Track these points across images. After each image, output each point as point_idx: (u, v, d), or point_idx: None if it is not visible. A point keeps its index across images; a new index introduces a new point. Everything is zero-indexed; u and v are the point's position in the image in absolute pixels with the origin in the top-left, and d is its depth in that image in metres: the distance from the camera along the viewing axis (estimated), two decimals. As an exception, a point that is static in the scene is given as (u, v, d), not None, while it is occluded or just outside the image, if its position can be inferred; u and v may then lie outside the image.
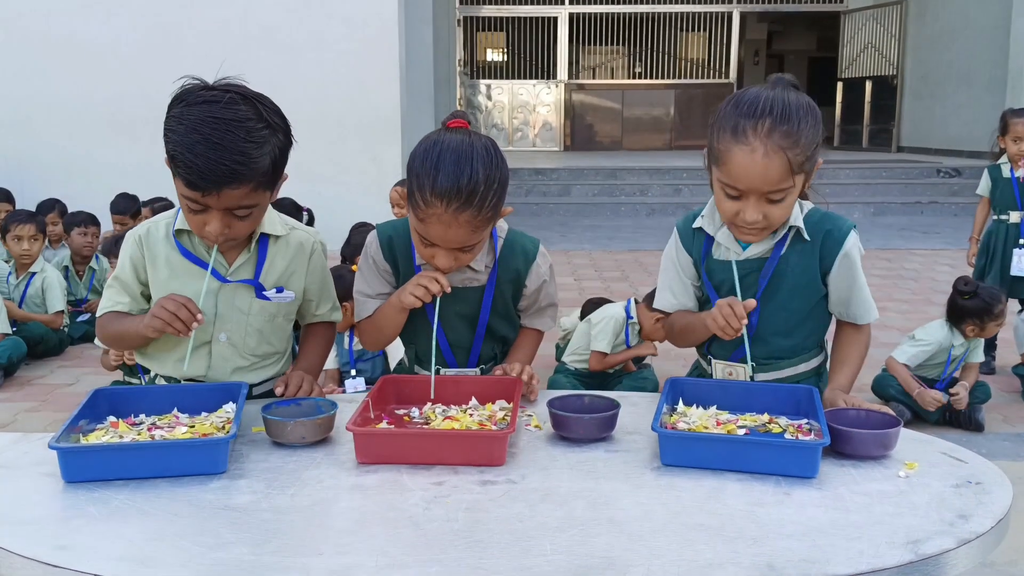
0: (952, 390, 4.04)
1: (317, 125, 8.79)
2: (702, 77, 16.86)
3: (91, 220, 5.84)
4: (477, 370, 2.08)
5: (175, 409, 1.80)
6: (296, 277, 2.06)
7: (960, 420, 4.04)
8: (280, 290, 2.02)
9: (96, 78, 8.42)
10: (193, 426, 1.70)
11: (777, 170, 1.76)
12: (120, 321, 2.00)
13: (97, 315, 2.05)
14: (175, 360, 1.99)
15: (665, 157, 14.34)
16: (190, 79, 1.83)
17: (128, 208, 6.27)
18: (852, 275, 1.95)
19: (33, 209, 5.91)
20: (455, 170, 1.76)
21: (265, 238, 2.00)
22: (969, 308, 4.13)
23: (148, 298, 2.01)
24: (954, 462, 1.60)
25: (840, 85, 16.54)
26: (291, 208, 6.16)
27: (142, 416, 1.78)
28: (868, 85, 15.88)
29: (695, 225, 2.01)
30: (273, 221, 2.02)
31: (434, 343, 1.94)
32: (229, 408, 1.80)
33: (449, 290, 1.89)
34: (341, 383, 4.12)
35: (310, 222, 6.29)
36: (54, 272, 5.26)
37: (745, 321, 1.83)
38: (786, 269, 1.94)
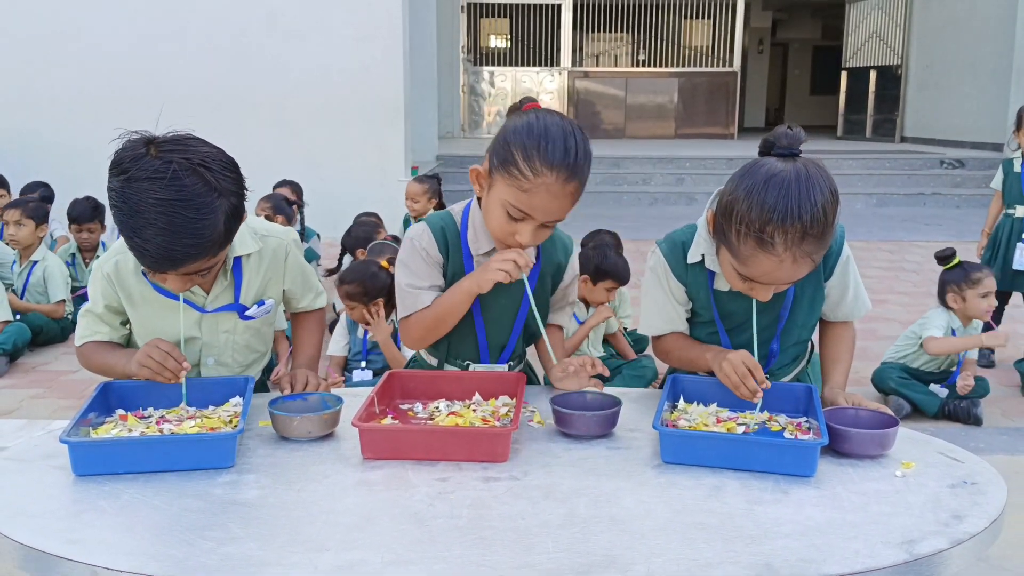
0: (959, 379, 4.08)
1: (320, 111, 8.82)
2: (706, 65, 16.80)
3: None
4: (506, 366, 2.07)
5: (183, 403, 1.82)
6: (274, 283, 2.06)
7: (959, 414, 4.06)
8: (261, 303, 2.02)
9: (99, 64, 8.42)
10: (201, 420, 1.73)
11: (803, 272, 1.72)
12: (103, 354, 1.98)
13: (76, 344, 2.03)
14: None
15: (668, 146, 14.31)
16: (129, 135, 1.69)
17: (92, 216, 5.72)
18: (850, 275, 1.97)
19: (16, 194, 5.94)
20: (563, 142, 1.77)
21: (238, 260, 1.97)
22: (948, 276, 4.19)
23: (126, 323, 2.02)
24: (950, 462, 1.63)
25: (844, 74, 16.52)
26: (284, 188, 6.18)
27: (150, 409, 1.80)
28: (872, 75, 15.84)
29: (691, 261, 1.95)
30: (244, 240, 1.95)
31: (537, 315, 1.90)
32: (236, 402, 1.82)
33: (533, 263, 1.89)
34: (345, 372, 4.14)
35: (298, 198, 6.29)
36: (55, 261, 5.28)
37: (760, 394, 1.76)
38: (802, 295, 1.95)
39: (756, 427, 1.72)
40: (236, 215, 1.76)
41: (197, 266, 1.74)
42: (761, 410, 1.79)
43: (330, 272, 6.04)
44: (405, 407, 1.85)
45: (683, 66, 16.85)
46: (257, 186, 6.07)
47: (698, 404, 1.83)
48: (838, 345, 2.03)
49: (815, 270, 1.87)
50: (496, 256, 1.87)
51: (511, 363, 2.10)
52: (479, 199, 1.93)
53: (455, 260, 1.99)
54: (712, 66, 16.73)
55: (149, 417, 1.76)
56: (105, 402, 1.78)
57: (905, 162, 12.29)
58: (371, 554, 1.27)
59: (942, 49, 14.37)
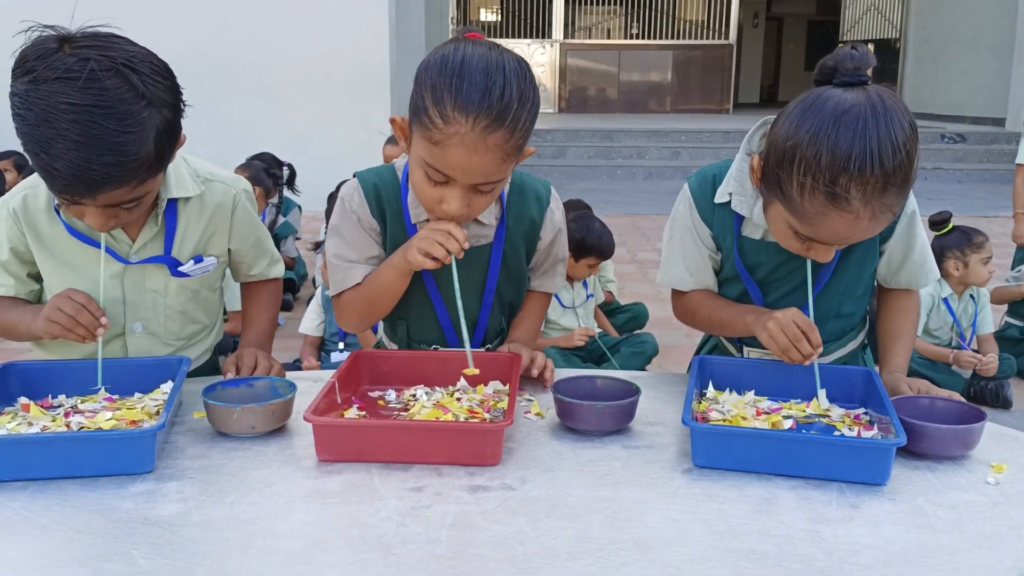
0: (980, 358, 3.78)
1: (303, 81, 8.48)
2: (700, 38, 16.42)
3: None
4: (482, 350, 1.72)
5: (102, 389, 1.49)
6: (217, 239, 1.71)
7: (986, 396, 3.78)
8: (199, 259, 1.67)
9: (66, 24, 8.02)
10: (122, 410, 1.40)
11: (880, 228, 1.40)
12: (4, 311, 1.64)
13: None
14: (83, 356, 1.66)
15: (663, 119, 13.97)
16: (38, 28, 1.36)
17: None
18: (917, 233, 1.65)
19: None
20: (484, 80, 1.36)
21: (174, 203, 1.63)
22: (947, 241, 3.90)
23: (37, 277, 1.67)
24: (1051, 464, 1.31)
25: (841, 48, 16.19)
26: (271, 162, 5.86)
27: (61, 397, 1.47)
28: (870, 48, 15.52)
29: (719, 200, 1.63)
30: (183, 180, 1.63)
31: (461, 313, 1.50)
32: (167, 388, 1.49)
33: (467, 246, 1.48)
34: (322, 354, 3.81)
35: (291, 178, 6.00)
36: None
37: (818, 352, 1.47)
38: (848, 255, 1.62)
39: (806, 419, 1.40)
40: (171, 133, 1.42)
41: (120, 195, 1.39)
42: (806, 396, 1.47)
43: (317, 245, 5.73)
44: (375, 395, 1.52)
45: (677, 39, 16.47)
46: (237, 158, 5.77)
47: (731, 391, 1.51)
48: (899, 318, 1.70)
49: None
50: (421, 232, 1.50)
51: (487, 346, 1.75)
52: None
53: (395, 227, 1.63)
54: (706, 39, 16.35)
55: (58, 407, 1.43)
56: (5, 387, 1.45)
57: (905, 136, 11.95)
58: (317, 597, 0.95)
59: (941, 22, 14.07)
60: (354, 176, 1.67)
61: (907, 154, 1.32)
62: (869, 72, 1.38)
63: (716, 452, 1.26)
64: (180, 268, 1.65)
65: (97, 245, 1.57)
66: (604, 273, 4.46)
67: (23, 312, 1.62)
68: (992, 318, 4.05)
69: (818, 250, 1.45)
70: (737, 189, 1.59)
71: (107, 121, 1.31)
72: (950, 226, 3.95)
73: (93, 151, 1.31)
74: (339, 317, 1.70)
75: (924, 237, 1.66)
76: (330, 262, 1.65)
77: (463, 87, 1.35)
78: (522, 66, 1.42)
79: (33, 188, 1.60)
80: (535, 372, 1.60)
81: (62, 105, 1.29)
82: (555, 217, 1.73)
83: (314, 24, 8.39)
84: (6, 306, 1.64)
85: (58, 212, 1.58)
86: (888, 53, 15.21)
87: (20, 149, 4.98)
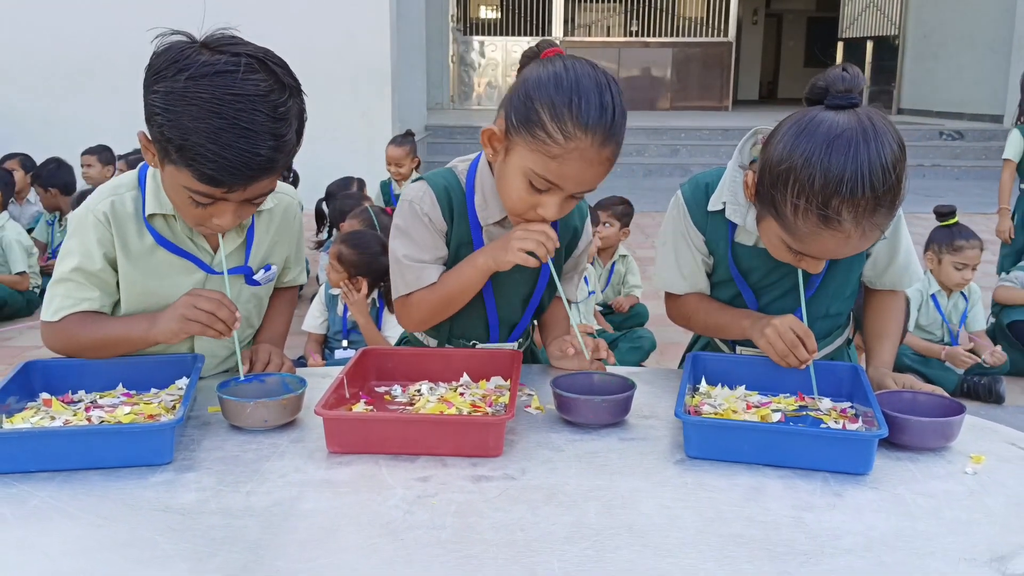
0: (985, 354, 3.84)
1: (304, 79, 8.33)
2: (700, 35, 16.47)
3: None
4: (516, 344, 1.81)
5: (120, 385, 1.56)
6: (280, 247, 1.78)
7: (979, 392, 3.84)
8: (267, 268, 1.74)
9: (72, 27, 8.09)
10: (140, 405, 1.47)
11: (868, 244, 1.47)
12: (100, 325, 1.60)
13: (50, 319, 1.61)
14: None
15: (662, 117, 14.02)
16: (168, 32, 1.43)
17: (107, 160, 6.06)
18: (901, 237, 1.71)
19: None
20: (599, 98, 1.44)
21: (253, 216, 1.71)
22: (935, 234, 3.94)
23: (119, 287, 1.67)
24: (1027, 455, 1.38)
25: (840, 45, 16.21)
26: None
27: (81, 393, 1.54)
28: (869, 45, 15.55)
29: (712, 208, 1.69)
30: None
31: (569, 310, 1.61)
32: (182, 384, 1.56)
33: (558, 245, 1.58)
34: (325, 351, 3.87)
35: (294, 182, 6.05)
36: (14, 230, 4.94)
37: (813, 356, 1.55)
38: (837, 261, 1.67)
39: (794, 413, 1.47)
40: (303, 122, 1.50)
41: (264, 185, 1.46)
42: (794, 390, 1.54)
43: (319, 244, 5.79)
44: (381, 390, 1.59)
45: (677, 36, 16.51)
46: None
47: (722, 386, 1.58)
48: (884, 317, 1.77)
49: None
50: (517, 232, 1.55)
51: (520, 340, 1.82)
52: (490, 163, 1.63)
53: (460, 228, 1.68)
54: (706, 36, 16.39)
55: (78, 402, 1.50)
56: (27, 384, 1.51)
57: (903, 133, 11.64)
58: (331, 578, 1.01)
59: (940, 19, 14.10)
60: (420, 179, 1.71)
61: (896, 176, 1.38)
62: (859, 94, 1.43)
63: (707, 443, 1.32)
64: (254, 277, 1.72)
65: (187, 255, 1.63)
66: (632, 275, 4.56)
67: (125, 323, 1.61)
68: (984, 314, 4.11)
69: (809, 263, 1.52)
70: (731, 199, 1.65)
71: (265, 108, 1.39)
72: (954, 219, 3.97)
73: (259, 138, 1.38)
74: (404, 316, 1.74)
75: (908, 241, 1.73)
76: (400, 263, 1.68)
77: (582, 104, 1.43)
78: (616, 82, 1.49)
79: (119, 195, 1.61)
80: (570, 352, 1.67)
81: (227, 96, 1.36)
82: (589, 229, 1.81)
83: (315, 21, 8.42)
84: (98, 322, 1.61)
85: (147, 222, 1.60)
86: (887, 50, 15.24)
87: (24, 151, 5.02)
